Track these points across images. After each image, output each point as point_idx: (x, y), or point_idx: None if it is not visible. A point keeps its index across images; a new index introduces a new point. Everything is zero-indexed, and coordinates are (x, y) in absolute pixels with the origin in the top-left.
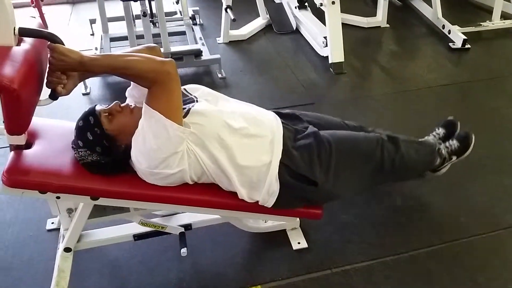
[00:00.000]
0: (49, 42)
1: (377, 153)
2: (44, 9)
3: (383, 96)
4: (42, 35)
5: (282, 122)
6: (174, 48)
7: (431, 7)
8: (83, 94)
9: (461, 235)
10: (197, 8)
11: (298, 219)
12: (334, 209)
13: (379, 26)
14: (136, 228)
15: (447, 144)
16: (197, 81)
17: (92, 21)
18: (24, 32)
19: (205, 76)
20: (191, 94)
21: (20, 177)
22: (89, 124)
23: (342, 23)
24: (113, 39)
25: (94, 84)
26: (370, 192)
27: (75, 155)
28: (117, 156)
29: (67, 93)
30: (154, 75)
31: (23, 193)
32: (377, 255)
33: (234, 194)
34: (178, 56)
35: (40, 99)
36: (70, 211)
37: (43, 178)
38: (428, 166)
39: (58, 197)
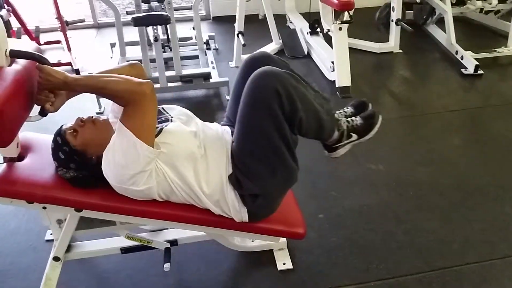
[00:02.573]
0: (37, 63)
1: (270, 91)
2: (71, 32)
3: (388, 121)
4: (32, 57)
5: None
6: (185, 71)
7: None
8: (97, 113)
9: (453, 263)
10: (213, 33)
11: (285, 239)
12: (323, 229)
13: (392, 52)
14: (124, 242)
15: (349, 118)
16: (206, 103)
17: (112, 45)
18: (15, 54)
19: (214, 98)
20: (167, 113)
21: (8, 186)
22: (58, 144)
23: (354, 49)
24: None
25: (108, 103)
26: (361, 212)
27: (58, 173)
28: (93, 168)
29: (55, 110)
30: (129, 95)
31: (12, 202)
32: (362, 279)
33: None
34: (188, 79)
35: (30, 115)
36: (60, 221)
37: (29, 189)
38: (328, 130)
39: (44, 207)
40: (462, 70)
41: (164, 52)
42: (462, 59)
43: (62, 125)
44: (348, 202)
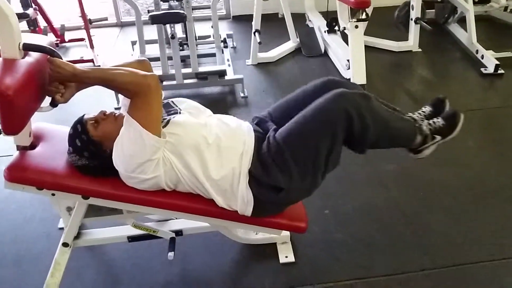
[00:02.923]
0: (48, 56)
1: (341, 119)
2: (95, 31)
3: None
4: (43, 50)
5: (256, 131)
6: (201, 69)
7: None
8: (115, 108)
9: (458, 261)
10: (231, 32)
11: (288, 233)
12: (328, 225)
13: (411, 51)
14: (131, 230)
15: (430, 121)
16: (220, 99)
17: (133, 43)
18: (27, 47)
19: (229, 95)
20: (176, 106)
21: (19, 173)
22: (77, 132)
23: (373, 47)
24: (148, 60)
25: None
26: (368, 210)
27: (69, 159)
28: (104, 160)
29: (65, 101)
30: (135, 87)
31: (24, 188)
32: (363, 275)
33: (215, 202)
34: (203, 76)
35: (41, 106)
36: (69, 209)
37: (39, 176)
38: (405, 138)
39: (53, 194)
40: (482, 69)
41: (182, 50)
42: (482, 58)
43: (84, 114)
44: (356, 200)
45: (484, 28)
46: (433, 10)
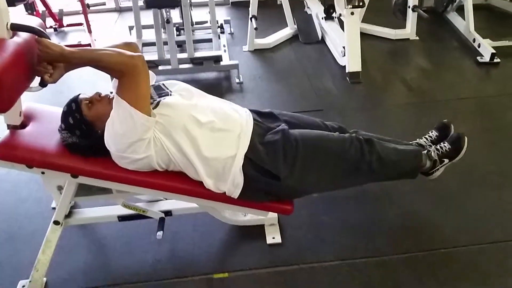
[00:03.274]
0: (36, 36)
1: (350, 152)
2: (94, 16)
3: (395, 107)
4: (31, 30)
5: (256, 120)
6: (197, 54)
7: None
8: (111, 92)
9: (442, 246)
10: (229, 18)
11: (276, 215)
12: (315, 209)
13: (408, 39)
14: (121, 210)
15: (438, 146)
16: (216, 85)
17: (131, 28)
18: (15, 27)
19: (224, 81)
20: (167, 89)
21: (9, 151)
22: (71, 110)
23: (370, 35)
24: (145, 44)
25: None
26: (356, 195)
27: (60, 136)
28: (95, 140)
29: (54, 82)
30: (122, 67)
31: (13, 166)
32: (348, 256)
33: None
34: (199, 61)
35: (31, 86)
36: (60, 188)
37: (28, 154)
38: (414, 169)
39: (43, 172)
40: (478, 58)
41: (179, 35)
42: (479, 47)
43: (79, 93)
44: None
45: (483, 17)
46: None
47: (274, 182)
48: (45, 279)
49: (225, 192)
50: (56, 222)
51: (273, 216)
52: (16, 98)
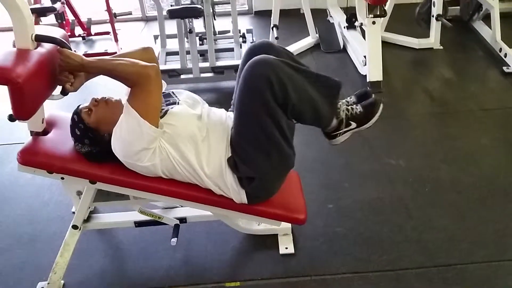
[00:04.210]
0: (58, 47)
1: (262, 80)
2: (121, 25)
3: (415, 117)
4: (53, 41)
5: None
6: (218, 63)
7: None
8: None
9: (458, 261)
10: (251, 27)
11: (289, 225)
12: (331, 219)
13: (432, 48)
14: (138, 216)
15: (349, 107)
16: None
17: (156, 37)
18: (39, 38)
19: None
20: (176, 97)
21: (30, 157)
22: (74, 122)
23: (393, 44)
24: (168, 53)
25: None
26: (373, 206)
27: (75, 148)
28: (105, 144)
29: (75, 90)
30: (135, 77)
31: (35, 171)
32: (361, 269)
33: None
34: (219, 70)
35: (53, 94)
36: (79, 193)
37: (48, 160)
38: (324, 117)
39: (62, 178)
40: (504, 68)
41: (202, 44)
42: (505, 56)
43: (79, 105)
44: (360, 194)
45: (510, 26)
46: (459, 7)
47: (254, 182)
48: (62, 281)
49: (232, 200)
50: (75, 227)
51: (286, 226)
52: (38, 106)
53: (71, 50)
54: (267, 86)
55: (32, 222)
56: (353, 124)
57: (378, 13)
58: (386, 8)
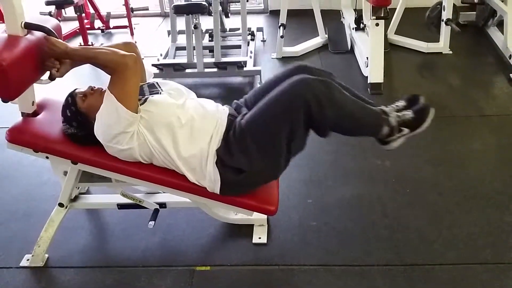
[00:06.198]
0: (45, 35)
1: (300, 99)
2: (139, 19)
3: None
4: (41, 29)
5: (231, 115)
6: (223, 59)
7: None
8: None
9: (426, 261)
10: (262, 26)
11: (265, 216)
12: (307, 213)
13: (441, 52)
14: (121, 199)
15: (400, 113)
16: (238, 89)
17: (169, 32)
18: (28, 26)
19: (247, 86)
20: (159, 87)
21: (18, 135)
22: (67, 103)
23: (402, 47)
24: (178, 48)
25: None
26: (351, 203)
27: (62, 128)
28: (90, 130)
29: (60, 76)
30: (114, 65)
31: (22, 150)
32: (328, 262)
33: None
34: (223, 66)
35: (42, 79)
36: (65, 173)
37: (34, 139)
38: (369, 128)
39: (47, 157)
40: (511, 75)
41: (211, 40)
42: None
43: (75, 88)
44: (341, 192)
45: None
46: (474, 13)
47: (241, 175)
48: (46, 255)
49: (206, 188)
50: (61, 205)
51: (262, 217)
52: (23, 89)
53: (57, 38)
54: (303, 106)
55: (28, 200)
56: (406, 130)
57: (382, 15)
58: (395, 11)
